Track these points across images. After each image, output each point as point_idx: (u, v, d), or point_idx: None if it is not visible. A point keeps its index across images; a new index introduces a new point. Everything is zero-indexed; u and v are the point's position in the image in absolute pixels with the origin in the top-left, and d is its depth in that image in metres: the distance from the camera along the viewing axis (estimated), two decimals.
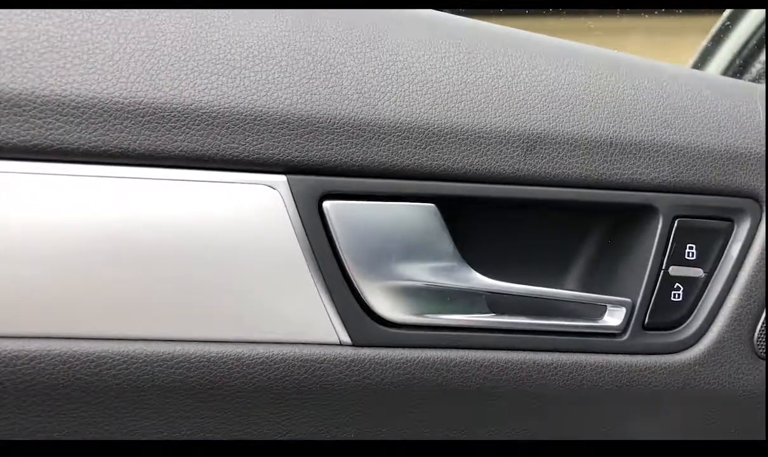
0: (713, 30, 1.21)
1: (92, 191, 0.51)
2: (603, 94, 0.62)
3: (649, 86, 0.64)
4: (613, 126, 0.61)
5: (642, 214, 0.63)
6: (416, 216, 0.57)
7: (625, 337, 0.62)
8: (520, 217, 0.65)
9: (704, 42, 1.22)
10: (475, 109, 0.58)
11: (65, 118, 0.50)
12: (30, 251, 0.50)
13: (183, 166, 0.52)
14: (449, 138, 0.56)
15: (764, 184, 0.63)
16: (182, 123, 0.51)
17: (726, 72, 1.15)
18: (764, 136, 0.64)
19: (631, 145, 0.61)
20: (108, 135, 0.50)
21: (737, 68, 1.15)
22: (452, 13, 0.66)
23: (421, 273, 0.57)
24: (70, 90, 0.50)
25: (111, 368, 0.51)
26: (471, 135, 0.57)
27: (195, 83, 0.52)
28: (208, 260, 0.53)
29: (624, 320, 0.62)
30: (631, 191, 0.62)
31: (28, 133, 0.49)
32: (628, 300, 0.62)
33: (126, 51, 0.51)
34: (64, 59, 0.50)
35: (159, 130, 0.51)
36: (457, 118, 0.57)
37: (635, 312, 0.62)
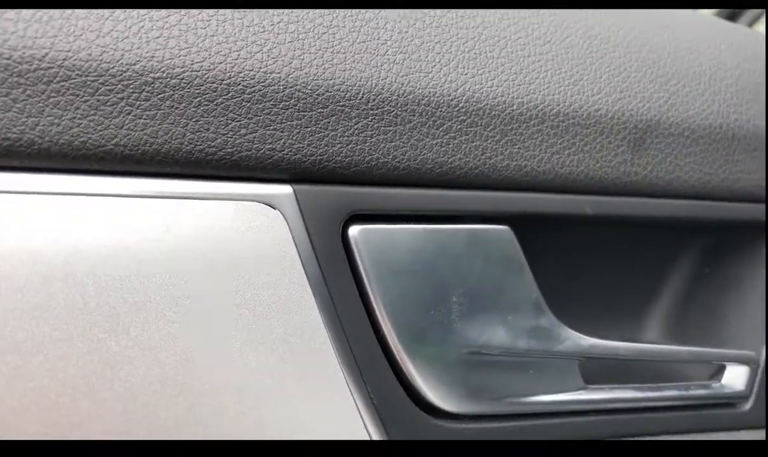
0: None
1: None
2: (719, 68, 0.44)
3: None
4: (734, 112, 0.43)
5: (753, 233, 0.46)
6: (485, 247, 0.37)
7: (749, 405, 0.45)
8: (596, 240, 0.46)
9: None
10: (568, 83, 0.38)
11: None
12: None
13: (113, 171, 0.30)
14: (534, 124, 0.37)
15: None
16: (112, 89, 0.29)
17: None
18: None
19: (753, 139, 0.44)
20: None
21: None
22: None
23: (491, 333, 0.37)
24: None
25: None
26: (564, 120, 0.38)
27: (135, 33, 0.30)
28: (174, 330, 0.31)
29: (748, 381, 0.45)
30: (748, 203, 0.45)
31: None
32: (753, 354, 0.45)
33: None
34: None
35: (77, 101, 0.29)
36: (545, 95, 0.37)
37: (759, 370, 0.45)
